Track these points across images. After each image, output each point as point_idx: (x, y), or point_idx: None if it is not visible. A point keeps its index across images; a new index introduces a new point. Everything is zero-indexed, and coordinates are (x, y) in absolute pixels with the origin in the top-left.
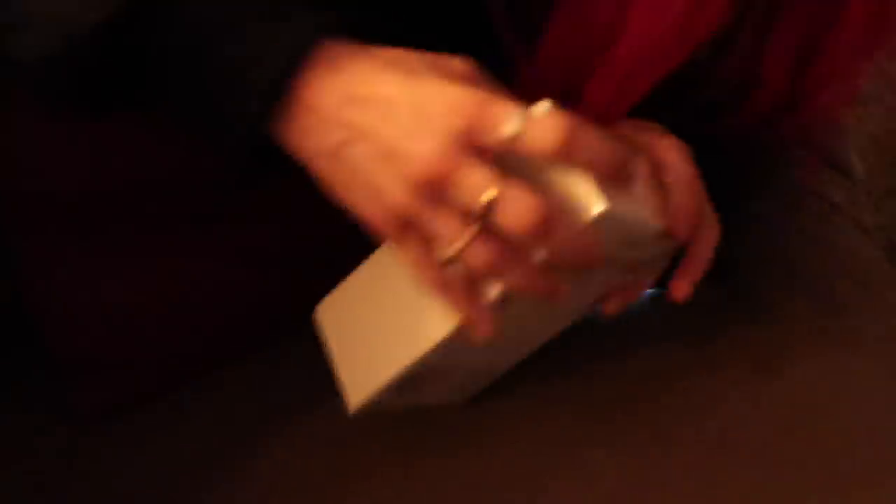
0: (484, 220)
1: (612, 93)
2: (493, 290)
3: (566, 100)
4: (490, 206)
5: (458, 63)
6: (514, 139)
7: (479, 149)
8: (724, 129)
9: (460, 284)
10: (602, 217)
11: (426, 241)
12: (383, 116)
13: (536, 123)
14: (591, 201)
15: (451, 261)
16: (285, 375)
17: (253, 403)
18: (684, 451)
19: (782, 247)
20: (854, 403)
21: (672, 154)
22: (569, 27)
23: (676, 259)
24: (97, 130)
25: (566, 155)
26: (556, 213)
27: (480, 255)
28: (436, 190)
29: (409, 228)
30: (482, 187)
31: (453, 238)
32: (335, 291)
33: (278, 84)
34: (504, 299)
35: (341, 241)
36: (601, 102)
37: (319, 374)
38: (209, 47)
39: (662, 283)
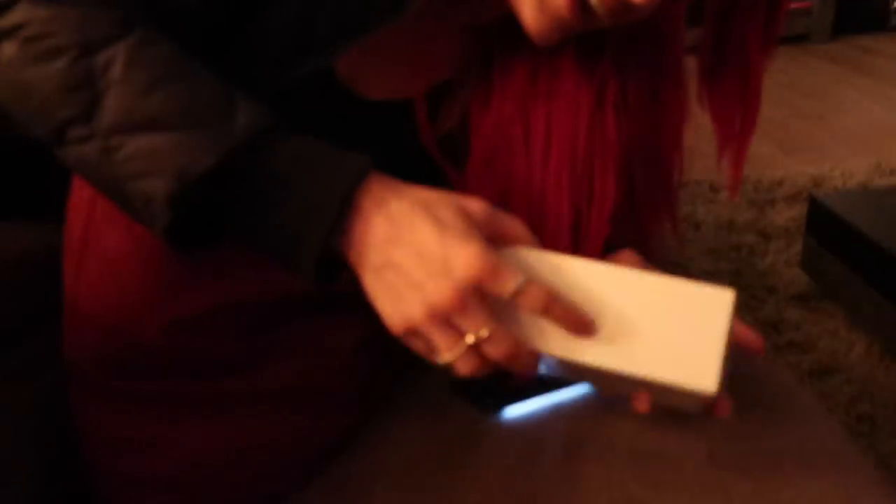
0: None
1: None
2: None
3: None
4: (479, 340)
5: (475, 206)
6: (514, 295)
7: (484, 295)
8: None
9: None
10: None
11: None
12: (415, 256)
13: (528, 287)
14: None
15: (445, 366)
16: None
17: None
18: None
19: None
20: None
21: None
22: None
23: None
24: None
25: (545, 313)
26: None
27: (466, 365)
28: (444, 318)
29: (417, 335)
30: (479, 325)
31: (448, 350)
32: None
33: (342, 214)
34: None
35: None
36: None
37: None
38: (287, 185)
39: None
